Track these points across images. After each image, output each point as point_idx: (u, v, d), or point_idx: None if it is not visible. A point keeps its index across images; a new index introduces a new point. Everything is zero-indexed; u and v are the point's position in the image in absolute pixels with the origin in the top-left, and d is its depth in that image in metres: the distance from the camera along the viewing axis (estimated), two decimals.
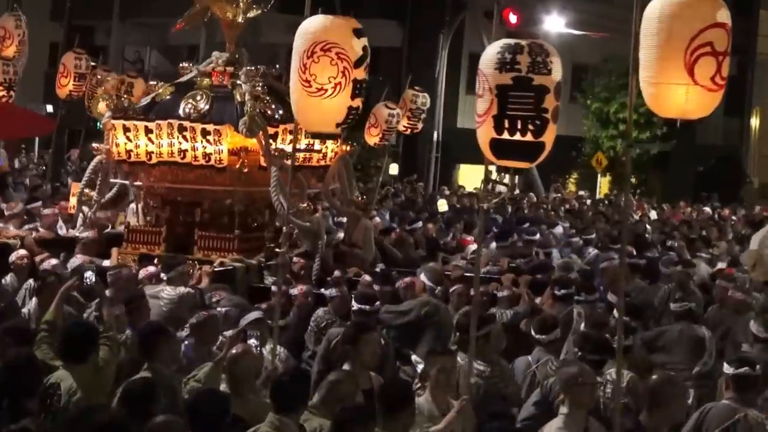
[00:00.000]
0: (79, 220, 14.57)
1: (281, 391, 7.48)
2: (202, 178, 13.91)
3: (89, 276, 11.40)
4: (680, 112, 7.72)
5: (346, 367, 8.69)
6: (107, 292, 10.78)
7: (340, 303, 11.37)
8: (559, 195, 32.48)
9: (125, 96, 14.59)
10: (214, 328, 9.79)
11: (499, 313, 11.50)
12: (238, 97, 13.89)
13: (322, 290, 12.02)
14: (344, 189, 15.23)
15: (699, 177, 41.53)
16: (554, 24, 34.86)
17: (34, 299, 10.85)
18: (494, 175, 36.38)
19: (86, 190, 14.43)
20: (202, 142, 13.62)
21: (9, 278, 12.29)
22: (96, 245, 14.11)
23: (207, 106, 13.88)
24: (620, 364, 7.86)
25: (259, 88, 13.84)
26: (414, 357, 10.47)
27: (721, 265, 16.80)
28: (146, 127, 13.96)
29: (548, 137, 7.72)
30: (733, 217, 28.38)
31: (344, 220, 16.85)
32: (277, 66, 15.10)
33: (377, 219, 19.19)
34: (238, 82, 14.10)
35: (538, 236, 17.70)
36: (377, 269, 13.96)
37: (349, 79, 8.71)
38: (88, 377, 7.85)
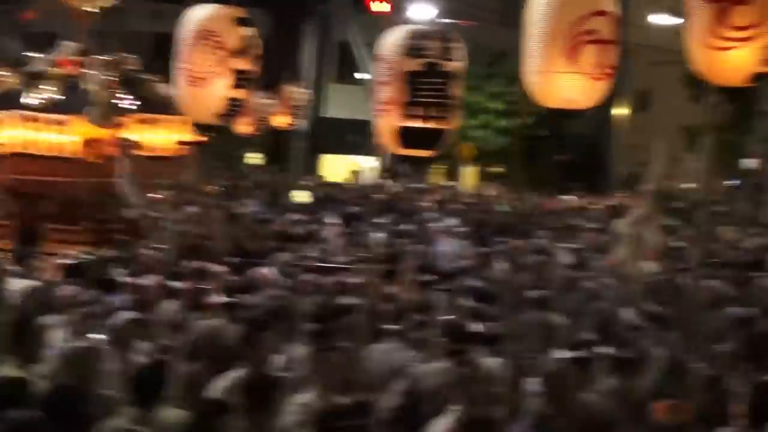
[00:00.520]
0: None
1: (140, 384, 7.37)
2: (51, 169, 13.58)
3: None
4: (564, 102, 7.75)
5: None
6: None
7: (190, 295, 11.02)
8: (425, 185, 32.41)
9: None
10: None
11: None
12: (88, 87, 13.58)
13: (173, 282, 11.71)
14: (195, 180, 15.13)
15: (564, 167, 41.87)
16: (423, 12, 34.77)
17: None
18: (359, 167, 36.41)
19: None
20: (50, 132, 13.28)
21: None
22: None
23: (56, 96, 13.57)
24: None
25: (111, 78, 13.55)
26: None
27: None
28: None
29: (453, 124, 7.63)
30: (597, 206, 28.60)
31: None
32: (138, 55, 14.81)
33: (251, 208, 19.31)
34: (89, 71, 13.78)
35: (402, 226, 18.02)
36: (230, 260, 13.71)
37: (227, 69, 8.38)
38: None
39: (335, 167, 38.80)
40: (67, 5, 14.63)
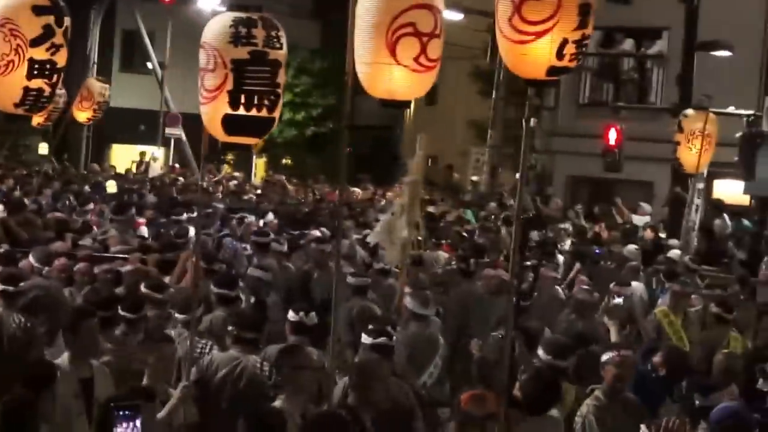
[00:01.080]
0: None
1: None
2: None
3: None
4: (388, 93, 7.71)
5: (65, 354, 8.34)
6: None
7: None
8: (214, 176, 32.07)
9: None
10: None
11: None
12: None
13: None
14: None
15: (354, 158, 42.03)
16: (208, 3, 34.28)
17: None
18: (149, 156, 35.78)
19: None
20: None
21: None
22: None
23: None
24: None
25: None
26: None
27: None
28: None
29: (278, 112, 7.63)
30: (386, 198, 28.74)
31: None
32: None
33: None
34: None
35: (185, 216, 17.94)
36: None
37: (23, 58, 8.10)
38: None
39: (124, 158, 38.09)
40: None
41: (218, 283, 11.20)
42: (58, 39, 8.32)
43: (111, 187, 23.80)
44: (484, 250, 15.96)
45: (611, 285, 13.45)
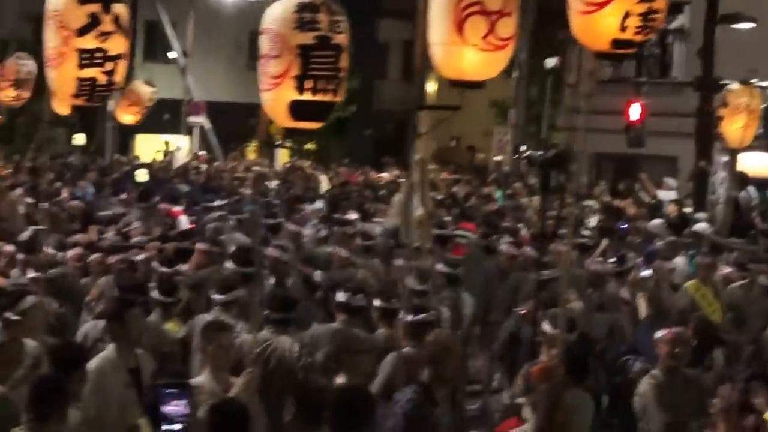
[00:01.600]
0: None
1: None
2: None
3: None
4: (458, 73, 7.74)
5: (110, 345, 8.39)
6: None
7: None
8: (237, 163, 32.14)
9: None
10: None
11: None
12: None
13: None
14: None
15: (378, 143, 42.06)
16: None
17: None
18: (173, 146, 35.92)
19: None
20: None
21: None
22: None
23: None
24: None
25: None
26: None
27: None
28: None
29: (340, 97, 7.71)
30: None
31: None
32: None
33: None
34: None
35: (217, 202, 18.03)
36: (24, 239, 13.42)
37: (72, 49, 8.09)
38: None
39: (149, 147, 38.21)
40: None
41: (237, 261, 11.31)
42: (107, 26, 8.24)
43: (141, 176, 23.88)
44: (509, 229, 16.04)
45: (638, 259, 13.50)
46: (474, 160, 37.43)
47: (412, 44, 44.53)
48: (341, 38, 7.61)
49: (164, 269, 11.56)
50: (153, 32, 39.20)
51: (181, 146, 35.94)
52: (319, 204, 20.10)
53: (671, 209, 20.47)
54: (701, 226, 17.62)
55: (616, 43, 7.05)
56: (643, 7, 6.87)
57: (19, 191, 17.46)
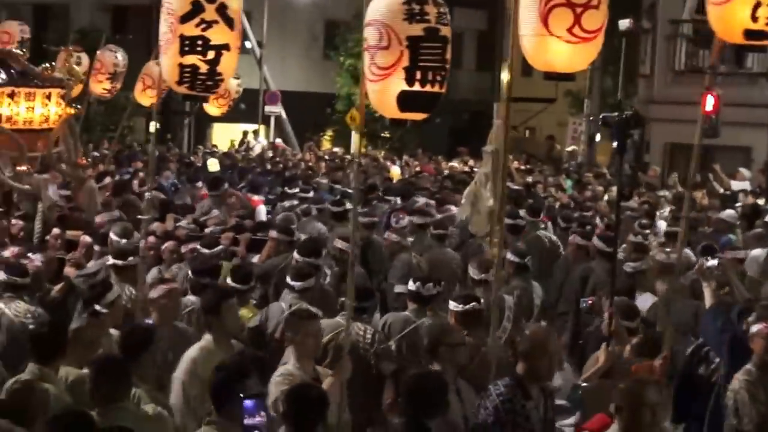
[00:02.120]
0: None
1: (40, 343, 7.70)
2: None
3: None
4: (546, 65, 7.74)
5: (207, 336, 8.51)
6: None
7: (46, 267, 11.34)
8: (314, 153, 32.41)
9: None
10: None
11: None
12: None
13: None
14: (69, 152, 15.09)
15: (452, 132, 42.14)
16: None
17: None
18: (250, 135, 36.31)
19: None
20: None
21: None
22: None
23: None
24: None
25: None
26: None
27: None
28: None
29: (445, 88, 7.70)
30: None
31: None
32: None
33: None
34: None
35: (311, 194, 18.07)
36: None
37: (176, 35, 8.18)
38: None
39: (225, 136, 38.65)
40: None
41: (302, 252, 11.42)
42: (209, 15, 8.23)
43: (213, 165, 24.22)
44: (579, 219, 16.16)
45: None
46: (552, 151, 37.44)
47: (486, 34, 44.77)
48: (447, 30, 7.64)
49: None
50: None
51: (260, 135, 36.31)
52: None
53: (748, 199, 20.42)
54: None
55: (748, 33, 7.05)
56: None
57: (107, 180, 17.69)
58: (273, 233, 12.96)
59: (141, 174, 20.07)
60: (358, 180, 8.76)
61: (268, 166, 26.33)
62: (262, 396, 6.21)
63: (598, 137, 33.27)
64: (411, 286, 10.14)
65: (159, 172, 21.29)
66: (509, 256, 11.78)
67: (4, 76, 13.71)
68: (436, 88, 7.67)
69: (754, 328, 8.61)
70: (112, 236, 12.10)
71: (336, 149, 35.69)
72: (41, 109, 14.38)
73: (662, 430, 7.15)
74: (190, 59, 8.23)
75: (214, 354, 8.20)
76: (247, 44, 37.81)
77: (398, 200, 17.72)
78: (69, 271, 11.98)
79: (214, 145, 34.30)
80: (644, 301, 11.48)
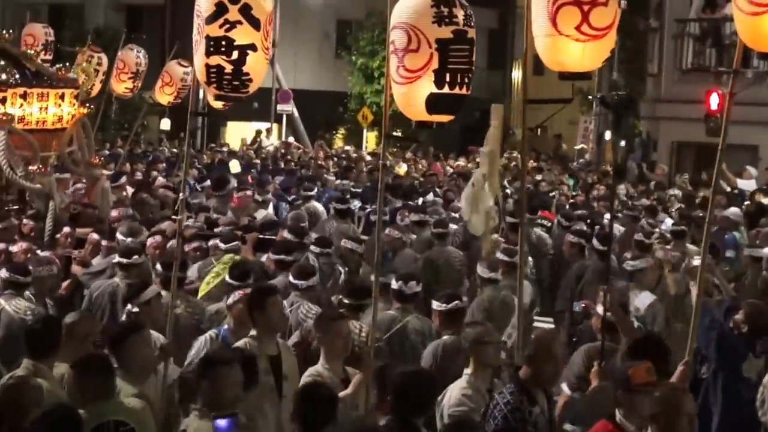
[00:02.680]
0: None
1: (34, 338, 7.79)
2: None
3: None
4: (559, 65, 7.73)
5: (253, 332, 8.50)
6: None
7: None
8: (324, 151, 32.52)
9: None
10: None
11: None
12: None
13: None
14: (82, 151, 15.26)
15: (463, 131, 42.17)
16: None
17: None
18: (264, 134, 36.46)
19: None
20: None
21: None
22: None
23: None
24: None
25: None
26: None
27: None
28: None
29: (470, 90, 7.81)
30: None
31: None
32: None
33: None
34: None
35: (315, 192, 18.21)
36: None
37: (202, 36, 8.24)
38: None
39: (238, 135, 38.76)
40: None
41: (277, 250, 11.61)
42: (233, 16, 8.22)
43: (234, 167, 24.25)
44: (582, 217, 16.31)
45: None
46: (560, 149, 37.53)
47: (497, 33, 44.83)
48: (473, 32, 7.74)
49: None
50: None
51: (271, 132, 36.42)
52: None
53: (756, 198, 20.43)
54: None
55: None
56: None
57: (123, 179, 17.81)
58: (284, 233, 13.12)
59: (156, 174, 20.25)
60: (383, 181, 8.76)
61: (281, 164, 26.39)
62: (234, 416, 6.37)
63: (607, 135, 33.36)
64: (394, 284, 10.23)
65: (173, 171, 21.44)
66: (499, 255, 11.87)
67: (17, 76, 13.85)
68: (464, 90, 7.77)
69: None
70: (119, 235, 12.32)
71: (348, 147, 35.84)
72: (54, 109, 14.51)
73: None
74: (215, 60, 8.26)
75: (257, 350, 8.27)
76: None
77: (398, 203, 17.79)
78: (75, 269, 12.19)
79: (224, 144, 34.39)
80: (643, 300, 11.61)
